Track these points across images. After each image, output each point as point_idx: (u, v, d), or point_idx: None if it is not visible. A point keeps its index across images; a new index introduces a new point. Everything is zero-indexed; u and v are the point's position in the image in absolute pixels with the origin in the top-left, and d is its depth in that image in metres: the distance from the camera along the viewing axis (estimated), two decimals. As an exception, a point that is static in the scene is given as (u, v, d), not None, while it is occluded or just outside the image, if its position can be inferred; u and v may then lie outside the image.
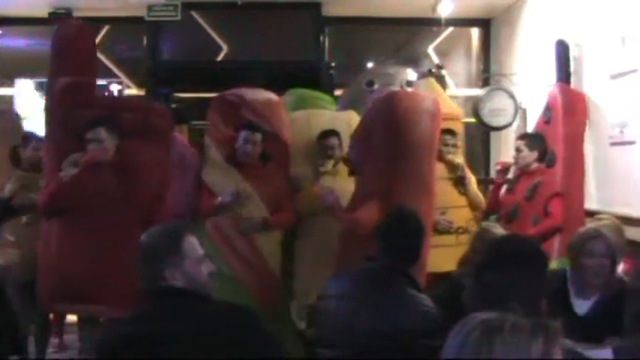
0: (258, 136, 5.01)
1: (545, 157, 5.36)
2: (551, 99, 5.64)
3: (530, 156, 5.34)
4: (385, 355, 2.92)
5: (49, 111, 4.67)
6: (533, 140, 5.42)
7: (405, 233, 3.27)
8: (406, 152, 4.55)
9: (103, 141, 4.45)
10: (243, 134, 5.00)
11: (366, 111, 5.06)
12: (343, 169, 5.29)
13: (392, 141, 4.53)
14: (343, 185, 5.06)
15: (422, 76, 6.61)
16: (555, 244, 5.05)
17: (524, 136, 5.60)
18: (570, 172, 5.30)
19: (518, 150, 5.39)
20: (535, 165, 5.35)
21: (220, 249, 4.91)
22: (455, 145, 5.50)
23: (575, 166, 5.35)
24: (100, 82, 8.51)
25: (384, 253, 3.23)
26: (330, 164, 5.30)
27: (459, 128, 5.71)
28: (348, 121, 5.64)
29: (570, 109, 5.45)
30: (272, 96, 5.37)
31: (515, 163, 5.45)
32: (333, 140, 5.32)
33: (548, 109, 5.64)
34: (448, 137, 5.37)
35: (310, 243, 5.19)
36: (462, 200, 5.48)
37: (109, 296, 4.19)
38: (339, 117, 5.80)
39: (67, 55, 4.66)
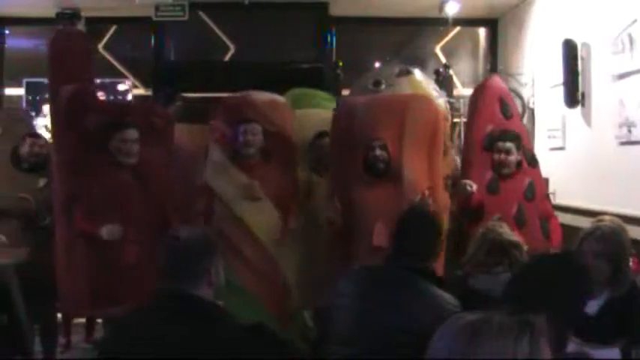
0: (256, 126, 4.92)
1: (531, 157, 5.01)
2: (504, 93, 5.13)
3: (518, 157, 4.87)
4: (400, 352, 2.89)
5: (55, 119, 4.69)
6: (519, 141, 4.91)
7: (420, 231, 3.25)
8: (440, 153, 4.77)
9: (136, 141, 4.55)
10: (240, 128, 4.90)
11: (394, 111, 4.79)
12: None
13: (433, 143, 4.70)
14: None
15: (403, 73, 6.38)
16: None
17: (514, 138, 4.88)
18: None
19: (509, 152, 4.82)
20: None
21: (227, 258, 4.86)
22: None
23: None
24: (108, 81, 8.59)
25: (398, 251, 3.21)
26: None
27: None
28: None
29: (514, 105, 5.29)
30: (276, 96, 5.27)
31: (508, 166, 4.84)
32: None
33: (506, 103, 5.05)
34: None
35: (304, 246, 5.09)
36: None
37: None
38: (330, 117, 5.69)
39: (63, 64, 4.69)
